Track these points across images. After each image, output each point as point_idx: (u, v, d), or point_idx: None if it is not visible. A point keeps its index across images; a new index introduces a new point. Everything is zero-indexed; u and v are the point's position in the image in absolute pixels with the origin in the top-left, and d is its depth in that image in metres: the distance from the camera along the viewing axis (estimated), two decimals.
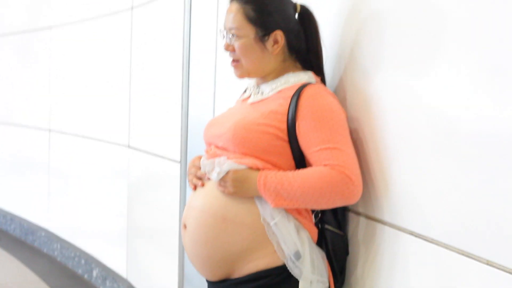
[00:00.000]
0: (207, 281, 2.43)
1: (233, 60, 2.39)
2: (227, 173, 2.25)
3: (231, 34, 2.35)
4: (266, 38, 2.35)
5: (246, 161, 2.26)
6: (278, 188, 2.18)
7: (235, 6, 2.37)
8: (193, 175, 2.43)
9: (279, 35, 2.35)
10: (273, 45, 2.36)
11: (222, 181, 2.26)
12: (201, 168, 2.40)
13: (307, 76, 2.38)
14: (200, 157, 2.47)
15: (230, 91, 3.33)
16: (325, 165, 2.16)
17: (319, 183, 2.14)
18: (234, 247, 2.25)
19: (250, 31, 2.34)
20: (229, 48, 2.37)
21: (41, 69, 6.71)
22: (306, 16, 2.43)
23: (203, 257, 2.31)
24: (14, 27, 7.32)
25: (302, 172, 2.20)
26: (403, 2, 2.13)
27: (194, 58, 4.07)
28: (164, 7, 4.47)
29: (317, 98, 2.24)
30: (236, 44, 2.34)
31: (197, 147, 3.79)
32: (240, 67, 2.38)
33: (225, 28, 2.39)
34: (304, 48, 2.43)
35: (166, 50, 4.41)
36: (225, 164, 2.26)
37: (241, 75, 2.41)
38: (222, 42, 2.43)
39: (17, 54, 7.30)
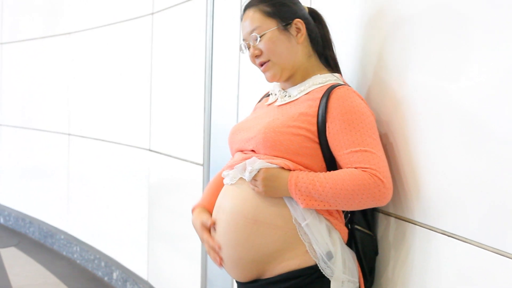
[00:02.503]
0: (237, 282, 2.44)
1: (263, 63, 2.39)
2: (259, 171, 2.26)
3: (254, 37, 2.36)
4: (289, 27, 2.38)
5: (277, 161, 2.26)
6: (309, 188, 2.19)
7: (249, 11, 2.41)
8: (207, 243, 2.41)
9: (300, 22, 2.40)
10: (296, 34, 2.39)
11: (253, 179, 2.28)
12: (225, 177, 2.42)
13: (335, 78, 2.40)
14: (202, 210, 2.51)
15: (254, 94, 3.35)
16: (356, 167, 2.18)
17: (351, 185, 2.15)
18: (266, 249, 2.26)
19: (271, 24, 2.36)
20: (256, 52, 2.38)
21: (60, 74, 6.75)
22: (316, 16, 2.49)
23: (234, 259, 2.32)
24: (32, 33, 7.36)
25: (334, 173, 2.21)
26: (432, 5, 2.14)
27: (217, 61, 4.08)
28: (186, 12, 4.49)
29: (347, 100, 2.25)
30: (262, 43, 2.35)
31: (220, 149, 3.84)
32: (272, 66, 2.38)
33: (244, 39, 2.41)
34: (321, 44, 2.47)
35: (188, 54, 4.43)
36: (256, 162, 2.28)
37: (274, 75, 2.40)
38: (245, 57, 2.45)
39: (36, 59, 7.33)
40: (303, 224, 2.23)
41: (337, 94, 2.26)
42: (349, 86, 2.37)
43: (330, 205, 2.20)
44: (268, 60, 2.38)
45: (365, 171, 2.16)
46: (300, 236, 2.24)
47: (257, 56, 2.39)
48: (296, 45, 2.40)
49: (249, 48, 2.41)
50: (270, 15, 2.37)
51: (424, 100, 2.15)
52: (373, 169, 2.15)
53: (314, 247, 2.23)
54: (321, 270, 2.23)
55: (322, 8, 2.56)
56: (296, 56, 2.40)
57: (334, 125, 2.24)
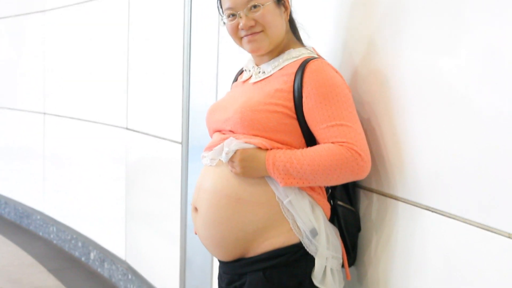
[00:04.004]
0: (220, 261, 2.43)
1: (255, 33, 2.33)
2: (235, 152, 2.24)
3: (250, 6, 2.31)
4: (281, 3, 2.36)
5: (254, 141, 2.25)
6: (287, 166, 2.18)
7: None
8: None
9: (287, 1, 2.39)
10: (284, 11, 2.38)
11: (231, 161, 2.26)
12: (203, 159, 2.40)
13: (309, 51, 2.38)
14: None
15: (233, 72, 3.33)
16: (333, 142, 2.17)
17: (329, 160, 2.14)
18: (250, 227, 2.25)
19: None
20: (250, 22, 2.32)
21: (35, 52, 6.67)
22: None
23: (217, 238, 2.31)
24: (6, 11, 7.26)
25: (311, 150, 2.20)
26: None
27: (196, 38, 4.05)
28: None
29: (321, 73, 2.23)
30: (259, 13, 2.31)
31: (199, 127, 3.80)
32: (263, 38, 2.34)
33: (233, 8, 2.33)
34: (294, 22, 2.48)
35: (166, 31, 4.38)
36: (232, 143, 2.26)
37: (261, 47, 2.35)
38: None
39: (10, 37, 7.25)
40: (285, 202, 2.22)
41: (311, 68, 2.25)
42: (323, 59, 2.35)
43: (309, 182, 2.19)
44: (261, 31, 2.34)
45: (342, 145, 2.15)
46: (283, 213, 2.23)
47: (249, 27, 2.33)
48: (283, 21, 2.38)
49: (234, 17, 2.36)
50: None
51: (411, 78, 2.13)
52: (350, 143, 2.15)
53: (298, 224, 2.23)
54: (305, 247, 2.22)
55: None
56: (283, 31, 2.39)
57: (310, 100, 2.22)
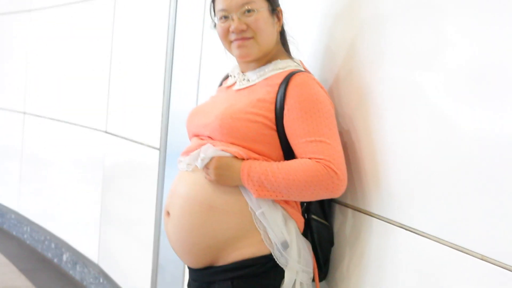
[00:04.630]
0: (189, 268, 2.40)
1: (245, 38, 2.32)
2: (211, 159, 2.22)
3: (244, 10, 2.29)
4: (275, 13, 2.36)
5: (231, 150, 2.22)
6: (261, 178, 2.16)
7: None
8: None
9: (280, 12, 2.38)
10: (277, 22, 2.37)
11: (206, 167, 2.24)
12: (179, 163, 2.38)
13: (295, 64, 2.37)
14: None
15: (215, 78, 3.31)
16: (310, 158, 2.15)
17: (304, 176, 2.12)
18: (221, 235, 2.22)
19: (264, 4, 2.32)
20: (241, 26, 2.30)
21: (17, 51, 6.63)
22: None
23: (188, 245, 2.28)
24: None
25: (287, 164, 2.18)
26: None
27: (179, 44, 4.03)
28: None
29: (305, 87, 2.22)
30: (252, 18, 2.29)
31: (178, 134, 3.79)
32: (253, 44, 2.32)
33: (226, 9, 2.32)
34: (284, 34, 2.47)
35: (150, 36, 4.37)
36: (208, 150, 2.24)
37: (250, 53, 2.34)
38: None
39: None
40: (257, 213, 2.20)
41: (296, 81, 2.23)
42: (309, 73, 2.33)
43: (282, 196, 2.18)
44: (251, 37, 2.32)
45: (318, 162, 2.13)
46: (255, 224, 2.21)
47: (241, 31, 2.32)
48: (275, 31, 2.37)
49: (226, 19, 2.34)
50: None
51: (391, 93, 2.12)
52: (327, 160, 2.13)
53: (269, 235, 2.20)
54: (276, 259, 2.20)
55: None
56: (273, 41, 2.37)
57: (291, 113, 2.20)
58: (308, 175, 2.12)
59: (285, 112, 2.21)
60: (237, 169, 2.19)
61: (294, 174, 2.13)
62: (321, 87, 2.28)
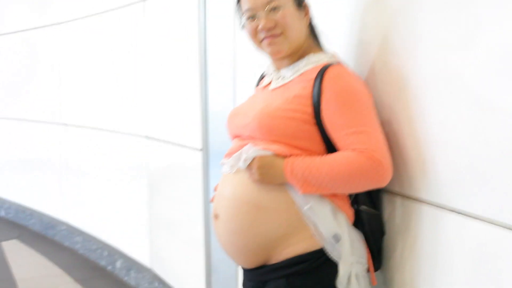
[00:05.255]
0: (243, 268, 2.41)
1: (274, 36, 2.31)
2: (253, 159, 2.22)
3: (270, 8, 2.29)
4: (301, 7, 2.35)
5: (273, 148, 2.23)
6: (305, 174, 2.15)
7: None
8: None
9: (307, 6, 2.38)
10: (304, 16, 2.36)
11: (249, 168, 2.24)
12: (223, 166, 2.38)
13: (329, 57, 2.35)
14: None
15: (250, 76, 3.30)
16: (353, 149, 2.13)
17: (348, 169, 2.11)
18: (271, 234, 2.22)
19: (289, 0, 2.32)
20: (269, 24, 2.30)
21: (51, 65, 6.71)
22: None
23: (239, 246, 2.29)
24: (21, 25, 7.30)
25: (330, 157, 2.17)
26: None
27: (212, 44, 4.04)
28: None
29: (340, 79, 2.21)
30: (280, 14, 2.29)
31: (219, 133, 3.79)
32: (283, 40, 2.32)
33: (253, 9, 2.32)
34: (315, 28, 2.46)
35: (182, 38, 4.38)
36: (250, 150, 2.24)
37: (281, 50, 2.33)
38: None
39: (26, 51, 7.29)
40: (305, 208, 2.19)
41: (330, 74, 2.22)
42: (343, 64, 2.32)
43: (328, 190, 2.17)
44: (281, 33, 2.32)
45: (362, 152, 2.11)
46: (304, 219, 2.20)
47: (270, 29, 2.31)
48: (303, 25, 2.36)
49: (253, 19, 2.33)
50: None
51: (430, 80, 2.09)
52: (371, 150, 2.11)
53: (320, 229, 2.19)
54: (329, 254, 2.19)
55: None
56: (303, 35, 2.37)
57: (329, 106, 2.19)
58: (352, 167, 2.11)
59: (323, 106, 2.20)
60: (280, 167, 2.19)
61: (338, 167, 2.12)
62: (358, 78, 2.27)
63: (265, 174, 2.21)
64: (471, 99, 1.90)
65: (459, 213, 1.97)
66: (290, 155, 2.21)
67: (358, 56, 2.49)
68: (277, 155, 2.22)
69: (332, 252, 2.20)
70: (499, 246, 1.83)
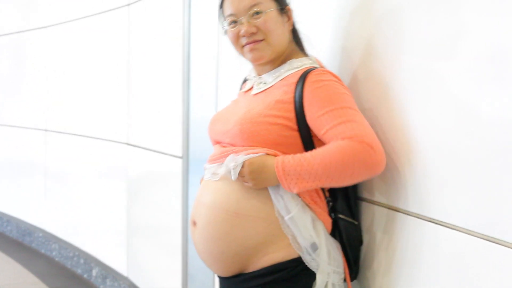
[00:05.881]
0: (219, 277, 2.38)
1: (256, 41, 2.30)
2: (243, 166, 2.18)
3: (252, 13, 2.28)
4: (284, 12, 2.34)
5: (258, 150, 2.19)
6: (298, 170, 2.09)
7: None
8: None
9: (290, 10, 2.37)
10: (287, 21, 2.35)
11: (241, 176, 2.19)
12: (206, 172, 2.35)
13: (311, 61, 2.34)
14: None
15: (233, 83, 3.29)
16: (342, 138, 2.08)
17: (340, 156, 2.04)
18: (248, 242, 2.20)
19: (271, 5, 2.31)
20: (251, 29, 2.29)
21: (36, 69, 6.67)
22: None
23: (216, 253, 2.25)
24: (7, 28, 7.27)
25: (321, 149, 2.11)
26: None
27: (195, 51, 4.03)
28: (163, 1, 4.44)
29: (322, 82, 2.18)
30: (261, 20, 2.28)
31: (200, 141, 3.77)
32: (265, 46, 2.30)
33: (235, 14, 2.31)
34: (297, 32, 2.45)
35: (165, 45, 4.37)
36: (238, 156, 2.21)
37: (263, 56, 2.32)
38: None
39: (12, 54, 7.26)
40: (286, 218, 2.16)
41: (311, 78, 2.20)
42: (324, 68, 2.30)
43: (323, 183, 2.10)
44: (262, 39, 2.31)
45: (351, 138, 2.06)
46: (283, 229, 2.17)
47: (251, 34, 2.30)
48: (286, 31, 2.35)
49: (235, 24, 2.32)
50: None
51: (413, 85, 2.08)
52: (359, 136, 2.05)
53: (298, 239, 2.17)
54: (306, 263, 2.17)
55: None
56: (285, 40, 2.36)
57: (312, 108, 2.16)
58: (343, 154, 2.04)
59: (306, 109, 2.18)
60: (271, 168, 2.14)
61: (329, 157, 2.06)
62: (339, 79, 2.25)
63: (258, 179, 2.16)
64: (455, 105, 1.89)
65: (437, 223, 1.96)
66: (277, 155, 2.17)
67: (342, 62, 2.48)
68: (267, 155, 2.17)
69: (310, 263, 2.17)
70: (477, 256, 1.82)
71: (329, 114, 2.13)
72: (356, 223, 2.34)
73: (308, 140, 2.22)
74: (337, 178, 2.09)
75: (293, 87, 2.23)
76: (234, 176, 2.19)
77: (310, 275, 2.18)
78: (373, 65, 2.29)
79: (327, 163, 2.06)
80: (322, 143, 2.17)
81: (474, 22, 1.83)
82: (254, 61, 2.36)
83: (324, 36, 2.59)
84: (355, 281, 2.38)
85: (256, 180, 2.16)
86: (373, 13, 2.32)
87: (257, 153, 2.18)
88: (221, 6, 2.39)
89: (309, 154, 2.12)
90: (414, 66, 2.08)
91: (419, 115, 2.05)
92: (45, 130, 6.44)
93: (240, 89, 2.60)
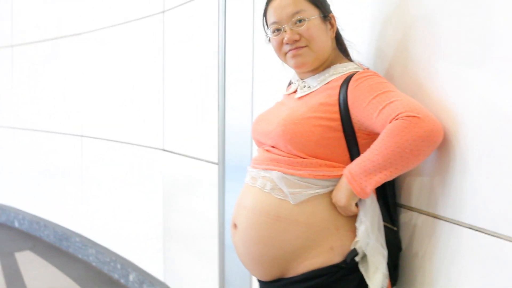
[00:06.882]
0: (259, 281, 2.40)
1: (299, 48, 2.33)
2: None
3: (295, 20, 2.31)
4: (327, 20, 2.36)
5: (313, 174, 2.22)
6: (362, 167, 2.10)
7: None
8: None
9: (333, 18, 2.39)
10: (330, 28, 2.37)
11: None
12: (247, 176, 2.37)
13: (355, 66, 2.36)
14: None
15: (268, 89, 3.31)
16: (390, 121, 2.06)
17: (392, 140, 2.02)
18: (289, 246, 2.21)
19: (315, 12, 2.33)
20: (295, 36, 2.31)
21: (72, 76, 6.72)
22: None
23: (256, 257, 2.27)
24: (43, 35, 7.33)
25: (375, 143, 2.10)
26: None
27: (230, 58, 4.04)
28: (197, 9, 4.46)
29: (362, 78, 2.20)
30: (304, 27, 2.30)
31: (235, 147, 3.79)
32: (308, 53, 2.33)
33: (278, 22, 2.34)
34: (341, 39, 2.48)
35: (200, 52, 4.39)
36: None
37: (305, 63, 2.35)
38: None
39: (47, 61, 7.31)
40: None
41: (355, 78, 2.22)
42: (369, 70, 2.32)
43: (392, 172, 2.06)
44: (306, 46, 2.33)
45: (396, 118, 2.03)
46: (322, 233, 2.19)
47: (294, 41, 2.33)
48: (329, 38, 2.37)
49: (278, 32, 2.35)
50: (314, 2, 2.34)
51: (446, 90, 2.09)
52: (403, 112, 2.03)
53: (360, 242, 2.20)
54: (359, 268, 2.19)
55: None
56: (328, 48, 2.38)
57: (357, 103, 2.17)
58: (395, 136, 2.02)
59: (351, 108, 2.19)
60: (343, 182, 2.17)
61: (384, 144, 2.05)
62: (377, 74, 2.27)
63: (344, 199, 2.17)
64: (488, 113, 1.89)
65: (476, 229, 1.96)
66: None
67: (376, 64, 2.49)
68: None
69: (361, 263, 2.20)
70: None
71: (373, 101, 2.13)
72: (395, 229, 2.35)
73: (353, 142, 2.23)
74: (402, 162, 2.05)
75: (337, 90, 2.25)
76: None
77: (350, 281, 2.19)
78: (407, 67, 2.31)
79: (384, 152, 2.04)
80: (366, 144, 2.18)
81: (507, 29, 1.84)
82: (297, 67, 2.39)
83: (361, 39, 2.59)
84: (394, 287, 2.38)
85: (342, 202, 2.18)
86: (405, 19, 2.33)
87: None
88: (265, 14, 2.42)
89: (367, 152, 2.11)
90: (447, 71, 2.10)
91: (452, 120, 2.06)
92: (81, 136, 6.49)
93: (285, 91, 2.62)
